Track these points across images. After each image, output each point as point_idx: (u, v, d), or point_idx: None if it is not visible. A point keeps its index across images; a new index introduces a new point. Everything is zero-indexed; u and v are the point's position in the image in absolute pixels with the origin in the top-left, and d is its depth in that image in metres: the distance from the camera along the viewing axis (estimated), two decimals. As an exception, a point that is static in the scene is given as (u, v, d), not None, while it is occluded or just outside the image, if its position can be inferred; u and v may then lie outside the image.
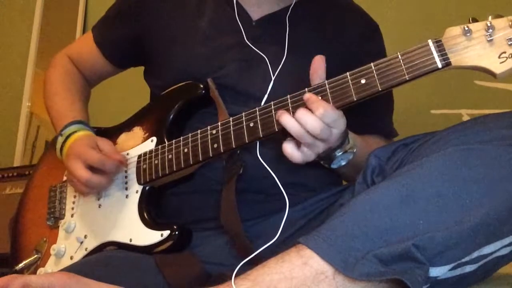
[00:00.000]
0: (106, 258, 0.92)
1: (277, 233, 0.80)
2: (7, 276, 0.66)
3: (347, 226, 0.66)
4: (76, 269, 0.80)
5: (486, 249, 0.66)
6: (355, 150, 0.91)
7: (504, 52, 0.74)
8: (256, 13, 1.04)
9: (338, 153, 0.89)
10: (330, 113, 0.81)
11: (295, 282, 0.64)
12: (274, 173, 0.88)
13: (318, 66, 0.85)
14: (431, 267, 0.64)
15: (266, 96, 0.95)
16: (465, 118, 1.62)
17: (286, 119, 0.82)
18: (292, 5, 1.05)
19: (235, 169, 0.92)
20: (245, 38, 1.01)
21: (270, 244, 0.79)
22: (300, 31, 1.04)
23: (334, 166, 0.91)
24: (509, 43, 0.74)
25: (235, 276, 0.67)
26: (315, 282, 0.63)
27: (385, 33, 1.14)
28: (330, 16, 1.08)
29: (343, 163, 0.91)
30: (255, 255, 0.77)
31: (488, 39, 0.75)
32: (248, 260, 0.76)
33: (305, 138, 0.82)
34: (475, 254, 0.66)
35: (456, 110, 1.66)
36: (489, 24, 0.75)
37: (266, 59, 0.98)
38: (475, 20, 0.77)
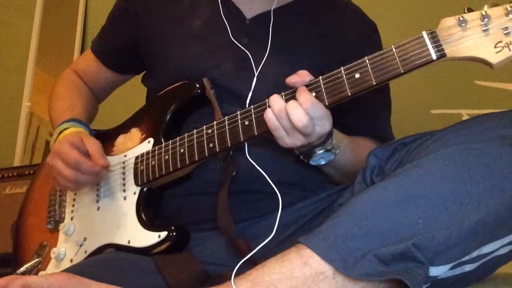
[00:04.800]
0: (106, 259, 0.92)
1: (274, 229, 0.80)
2: (7, 276, 0.66)
3: (347, 225, 0.66)
4: (76, 270, 0.80)
5: (486, 248, 0.67)
6: (337, 152, 0.90)
7: (500, 42, 0.72)
8: (249, 12, 1.04)
9: (319, 150, 0.88)
10: (318, 107, 0.82)
11: (295, 282, 0.64)
12: (269, 173, 0.88)
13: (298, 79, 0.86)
14: (431, 267, 0.64)
15: (250, 94, 0.95)
16: (465, 118, 1.62)
17: (266, 112, 0.84)
18: (288, 4, 1.05)
19: (230, 170, 0.92)
20: (239, 37, 1.01)
21: (269, 243, 0.79)
22: (295, 29, 1.04)
23: (312, 163, 0.91)
24: (505, 32, 0.72)
25: (235, 276, 0.67)
26: (315, 282, 0.63)
27: (383, 27, 1.13)
28: (328, 15, 1.08)
29: (323, 162, 0.91)
30: (255, 255, 0.78)
31: (484, 28, 0.73)
32: (248, 261, 0.76)
33: (278, 130, 0.83)
34: (475, 253, 0.66)
35: (456, 110, 1.66)
36: (484, 14, 0.73)
37: (251, 58, 0.98)
38: (470, 10, 0.75)
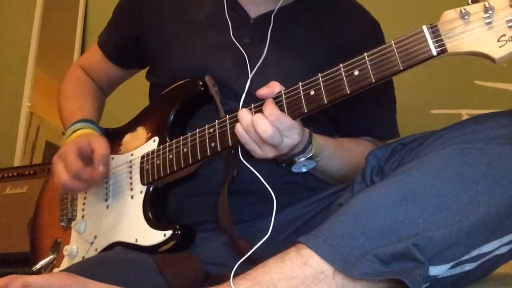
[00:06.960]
0: (106, 258, 0.92)
1: (269, 229, 0.80)
2: (7, 276, 0.66)
3: (347, 225, 0.66)
4: (76, 269, 0.81)
5: (486, 248, 0.67)
6: (318, 159, 0.91)
7: (504, 35, 0.68)
8: (253, 12, 1.04)
9: (299, 159, 0.90)
10: (283, 119, 0.82)
11: (295, 282, 0.64)
12: (270, 174, 0.88)
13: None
14: (430, 266, 0.64)
15: (244, 93, 0.95)
16: (465, 118, 1.61)
17: (237, 127, 0.85)
18: (292, 3, 1.05)
19: (230, 170, 0.92)
20: (241, 36, 1.01)
21: (269, 243, 0.79)
22: (297, 28, 1.04)
23: (294, 170, 0.92)
24: (509, 24, 0.67)
25: (235, 276, 0.67)
26: (315, 282, 0.63)
27: (387, 22, 1.13)
28: (330, 13, 1.08)
29: (304, 170, 0.92)
30: (254, 256, 0.77)
31: (487, 21, 0.69)
32: (248, 261, 0.76)
33: (250, 144, 0.84)
34: (475, 253, 0.66)
35: (456, 110, 1.66)
36: (487, 5, 0.69)
37: (247, 58, 0.98)
38: (475, 1, 0.71)
